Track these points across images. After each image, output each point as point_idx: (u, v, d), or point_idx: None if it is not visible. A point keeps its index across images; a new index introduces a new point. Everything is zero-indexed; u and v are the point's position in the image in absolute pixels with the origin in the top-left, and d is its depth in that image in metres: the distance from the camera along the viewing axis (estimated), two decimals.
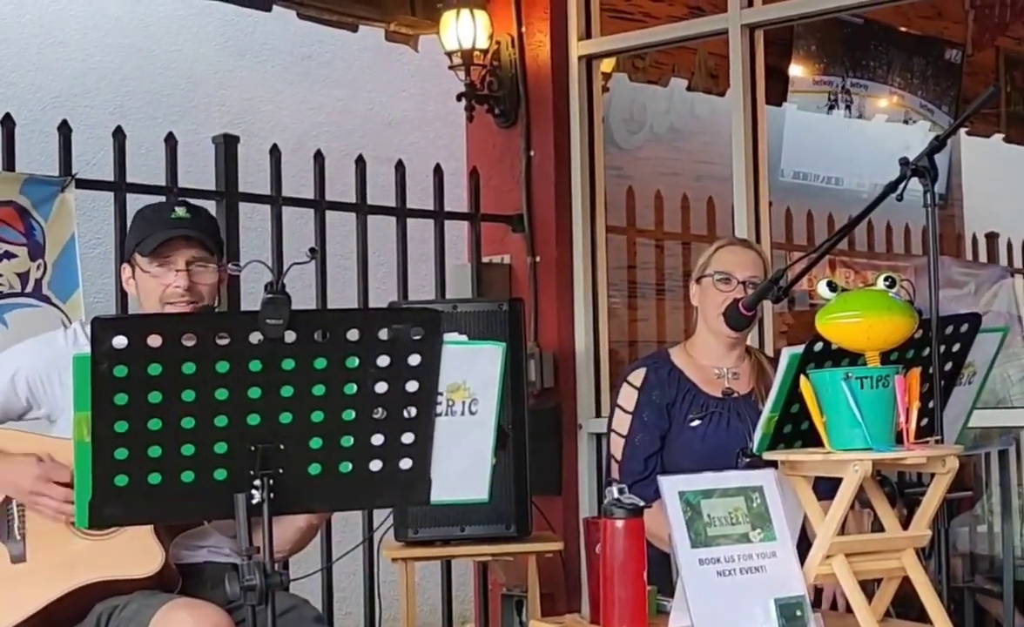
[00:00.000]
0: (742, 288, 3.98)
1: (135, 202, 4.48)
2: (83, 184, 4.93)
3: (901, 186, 3.18)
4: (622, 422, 4.07)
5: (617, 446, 4.07)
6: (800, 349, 3.03)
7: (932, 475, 2.98)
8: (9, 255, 4.66)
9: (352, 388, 2.74)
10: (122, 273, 3.62)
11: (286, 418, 2.72)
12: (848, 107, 8.55)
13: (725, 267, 4.03)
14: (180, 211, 3.49)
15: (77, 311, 4.72)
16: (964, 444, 3.27)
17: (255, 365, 2.66)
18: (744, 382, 4.07)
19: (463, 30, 6.09)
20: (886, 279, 2.94)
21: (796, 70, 8.13)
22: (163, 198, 4.84)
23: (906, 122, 8.74)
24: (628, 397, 4.08)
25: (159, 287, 3.44)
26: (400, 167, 5.89)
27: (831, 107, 8.48)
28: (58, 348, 3.44)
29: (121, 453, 2.63)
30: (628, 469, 3.97)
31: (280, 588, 2.73)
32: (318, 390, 2.72)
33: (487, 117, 6.36)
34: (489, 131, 6.42)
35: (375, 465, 2.80)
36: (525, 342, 5.38)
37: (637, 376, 4.08)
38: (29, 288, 4.69)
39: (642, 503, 3.05)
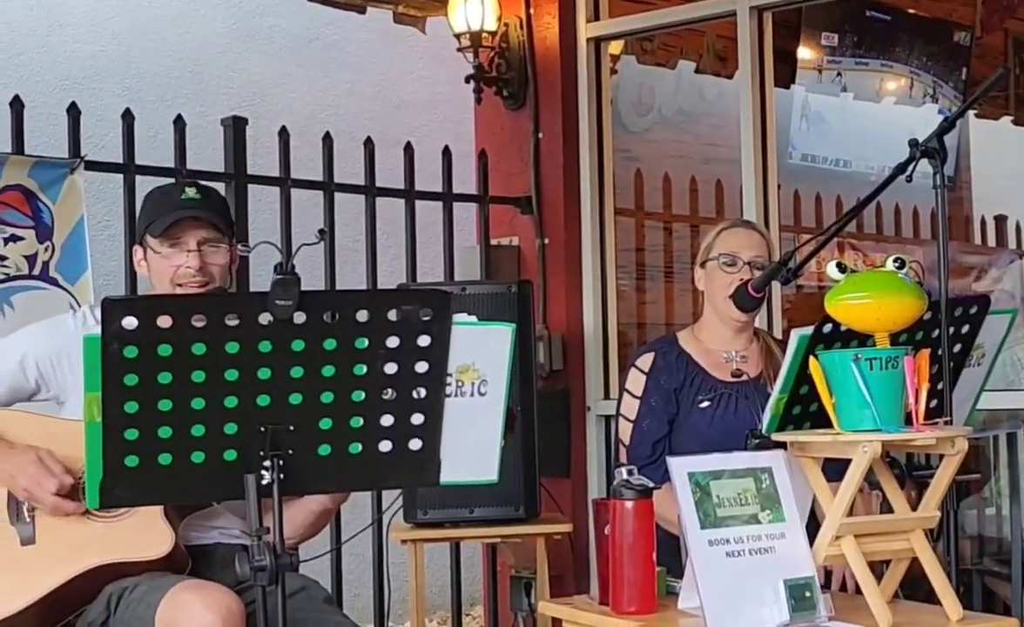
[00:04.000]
0: (748, 269, 3.97)
1: (144, 184, 4.49)
2: (92, 166, 4.93)
3: (910, 167, 3.18)
4: (630, 407, 4.06)
5: (625, 431, 4.06)
6: (809, 330, 3.03)
7: (941, 457, 2.98)
8: (15, 238, 4.66)
9: (362, 369, 2.73)
10: (134, 254, 3.61)
11: (296, 399, 2.71)
12: (856, 89, 8.53)
13: (730, 249, 4.03)
14: (190, 192, 3.49)
15: (85, 293, 4.72)
16: (973, 426, 3.28)
17: (265, 346, 2.65)
18: (753, 365, 4.05)
19: (471, 12, 6.08)
20: (895, 260, 2.93)
21: (804, 52, 8.11)
22: (172, 180, 4.85)
23: (915, 104, 8.71)
24: (636, 382, 4.06)
25: (170, 268, 3.44)
26: (408, 149, 5.90)
27: (839, 89, 8.46)
28: (67, 330, 3.44)
29: (131, 434, 2.63)
30: (635, 454, 3.96)
31: (290, 569, 2.72)
32: (328, 371, 2.71)
33: (495, 99, 6.36)
34: (497, 113, 6.41)
35: (384, 446, 2.80)
36: (534, 324, 5.39)
37: (645, 361, 4.07)
38: (36, 270, 4.69)
39: (651, 484, 3.06)
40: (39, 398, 3.47)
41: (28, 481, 3.21)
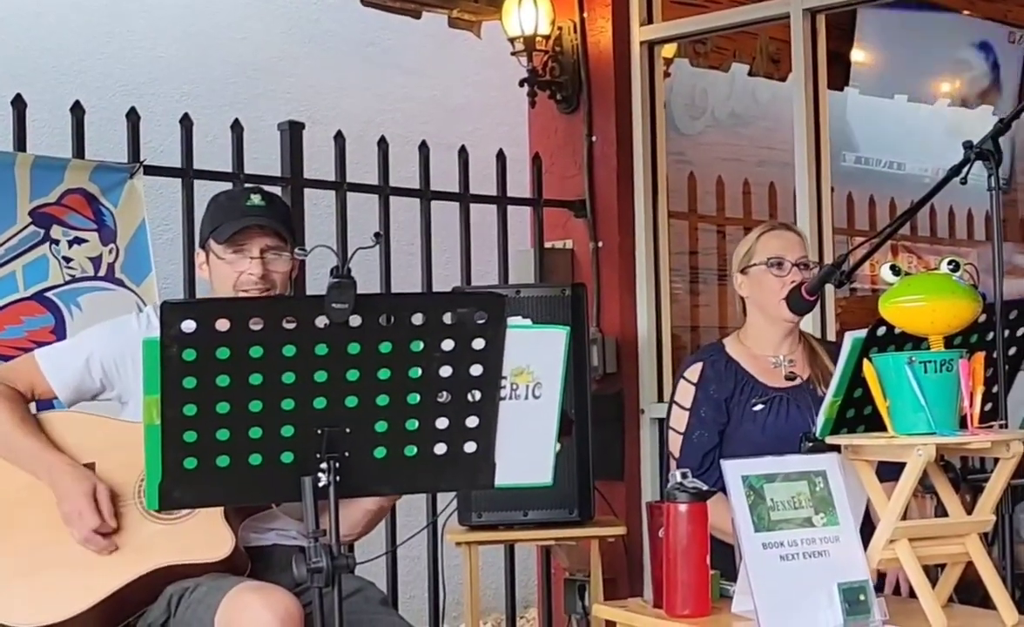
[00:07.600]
0: (796, 271, 3.96)
1: (202, 188, 4.53)
2: (151, 170, 4.96)
3: (965, 169, 3.17)
4: (679, 419, 4.02)
5: (675, 443, 4.03)
6: (863, 333, 3.03)
7: (996, 460, 2.97)
8: (80, 240, 4.71)
9: (417, 372, 2.75)
10: (196, 258, 3.65)
11: (352, 401, 2.73)
12: (910, 91, 8.50)
13: (775, 252, 4.00)
14: (255, 199, 3.51)
15: (151, 294, 4.76)
16: None
17: (321, 349, 2.67)
18: (800, 368, 4.03)
19: (525, 16, 6.10)
20: (950, 263, 2.93)
21: (858, 55, 8.08)
22: (230, 184, 4.91)
23: (969, 106, 8.67)
24: (685, 393, 4.03)
25: (233, 274, 3.47)
26: (463, 153, 5.92)
27: (893, 91, 8.42)
28: (131, 331, 3.46)
29: (190, 436, 2.66)
30: (685, 466, 3.89)
31: (346, 570, 2.74)
32: (383, 374, 2.73)
33: (549, 103, 6.37)
34: (551, 117, 6.43)
35: (439, 448, 2.82)
36: (587, 327, 5.40)
37: (693, 371, 4.04)
38: (102, 272, 4.74)
39: (705, 487, 3.06)
40: (103, 398, 3.51)
41: (72, 509, 3.24)
